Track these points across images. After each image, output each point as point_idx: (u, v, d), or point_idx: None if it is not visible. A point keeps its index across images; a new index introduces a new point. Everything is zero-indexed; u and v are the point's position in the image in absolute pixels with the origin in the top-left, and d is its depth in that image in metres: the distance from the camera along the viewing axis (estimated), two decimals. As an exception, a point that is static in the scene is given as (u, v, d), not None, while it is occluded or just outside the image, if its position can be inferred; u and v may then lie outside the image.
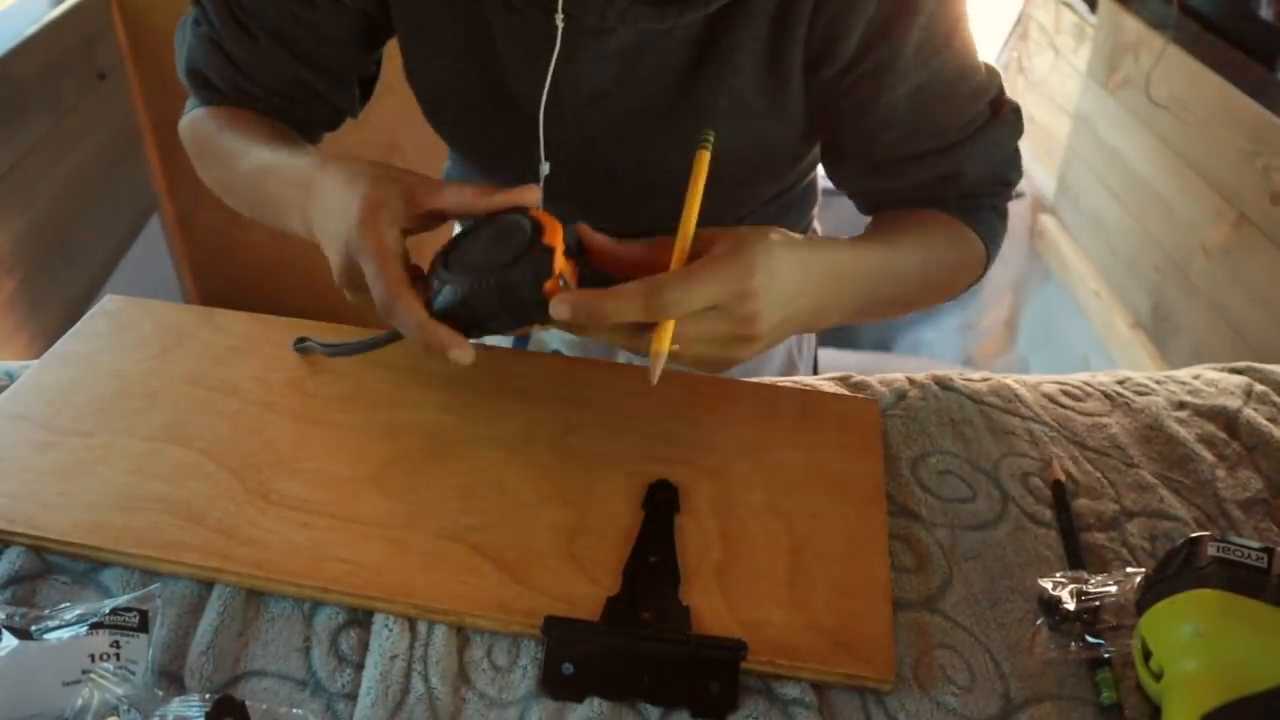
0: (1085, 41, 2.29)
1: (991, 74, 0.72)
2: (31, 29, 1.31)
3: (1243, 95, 1.66)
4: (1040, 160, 2.56)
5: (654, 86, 0.68)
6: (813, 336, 1.03)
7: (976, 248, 0.74)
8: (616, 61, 0.66)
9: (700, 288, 0.54)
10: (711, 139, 0.60)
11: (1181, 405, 0.73)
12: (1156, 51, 1.91)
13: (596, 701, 0.51)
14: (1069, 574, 0.57)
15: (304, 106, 0.77)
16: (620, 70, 0.67)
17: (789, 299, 0.58)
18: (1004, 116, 0.72)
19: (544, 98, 0.67)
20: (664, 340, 0.54)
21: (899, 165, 0.71)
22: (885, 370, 0.77)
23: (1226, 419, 0.71)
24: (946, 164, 0.71)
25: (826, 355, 2.09)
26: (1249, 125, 1.64)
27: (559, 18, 0.64)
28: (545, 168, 0.71)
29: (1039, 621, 0.55)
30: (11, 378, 0.70)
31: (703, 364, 0.59)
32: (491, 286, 0.56)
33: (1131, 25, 2.04)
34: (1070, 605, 0.55)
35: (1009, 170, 0.75)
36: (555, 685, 0.52)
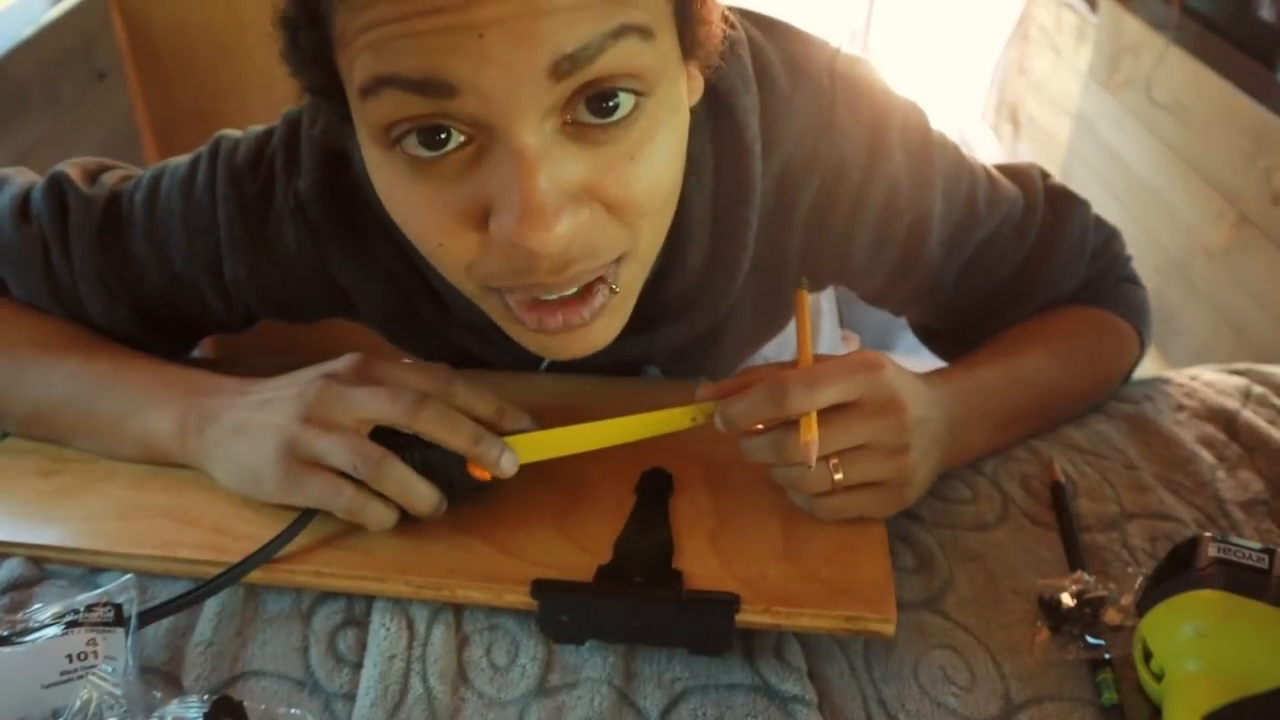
0: (1086, 42, 2.29)
1: (1021, 175, 0.73)
2: (31, 29, 1.31)
3: (1244, 96, 1.66)
4: (1041, 162, 2.56)
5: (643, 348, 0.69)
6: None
7: (1112, 321, 0.72)
8: (606, 352, 0.59)
9: (827, 368, 0.53)
10: (805, 282, 0.60)
11: (1181, 407, 0.72)
12: (1157, 52, 1.91)
13: (596, 701, 0.51)
14: (1069, 575, 0.57)
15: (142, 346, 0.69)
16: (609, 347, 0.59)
17: (926, 399, 0.57)
18: (1052, 198, 0.72)
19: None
20: (811, 428, 0.52)
21: (978, 306, 0.72)
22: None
23: (1226, 420, 0.71)
24: (1022, 278, 0.70)
25: (827, 356, 2.08)
26: (1250, 126, 1.64)
27: (543, 365, 0.64)
28: None
29: (1039, 622, 0.55)
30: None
31: (869, 490, 0.55)
32: (416, 461, 0.54)
33: (1132, 26, 2.04)
34: (1071, 606, 0.55)
35: (1098, 240, 0.73)
36: (554, 632, 0.53)
